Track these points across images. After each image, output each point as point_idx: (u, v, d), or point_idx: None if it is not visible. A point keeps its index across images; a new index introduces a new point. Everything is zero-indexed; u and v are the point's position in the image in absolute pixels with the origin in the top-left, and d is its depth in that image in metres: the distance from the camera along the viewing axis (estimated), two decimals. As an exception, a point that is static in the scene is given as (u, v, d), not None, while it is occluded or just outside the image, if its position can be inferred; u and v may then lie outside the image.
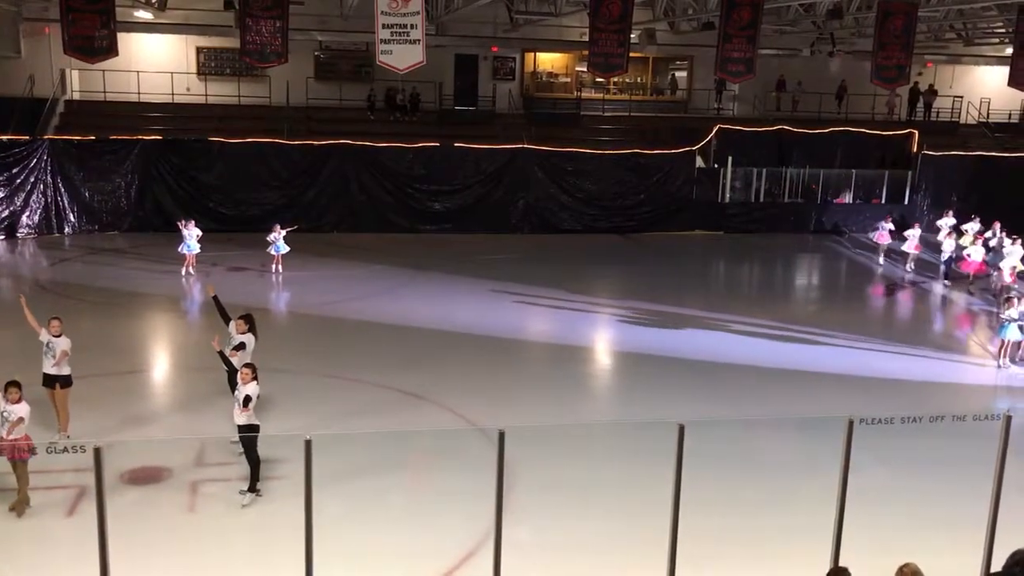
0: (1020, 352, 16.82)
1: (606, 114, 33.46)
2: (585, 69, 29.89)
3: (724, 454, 11.53)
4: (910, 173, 31.69)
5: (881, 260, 25.94)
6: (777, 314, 19.79)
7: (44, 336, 11.50)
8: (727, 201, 30.81)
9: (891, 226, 26.18)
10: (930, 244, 25.27)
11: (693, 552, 7.77)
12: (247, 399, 10.04)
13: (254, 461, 10.26)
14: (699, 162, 30.46)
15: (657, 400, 14.21)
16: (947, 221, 24.79)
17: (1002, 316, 16.66)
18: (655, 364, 16.13)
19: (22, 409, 9.68)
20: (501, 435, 7.08)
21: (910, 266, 24.98)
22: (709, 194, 30.60)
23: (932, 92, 35.36)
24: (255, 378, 10.24)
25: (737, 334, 18.26)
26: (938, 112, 35.54)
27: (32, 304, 12.13)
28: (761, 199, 31.18)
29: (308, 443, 6.68)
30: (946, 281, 23.34)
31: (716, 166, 30.54)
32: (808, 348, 17.45)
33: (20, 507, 9.74)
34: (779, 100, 34.84)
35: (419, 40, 20.09)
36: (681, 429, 7.25)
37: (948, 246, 23.47)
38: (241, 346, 11.50)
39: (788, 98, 34.79)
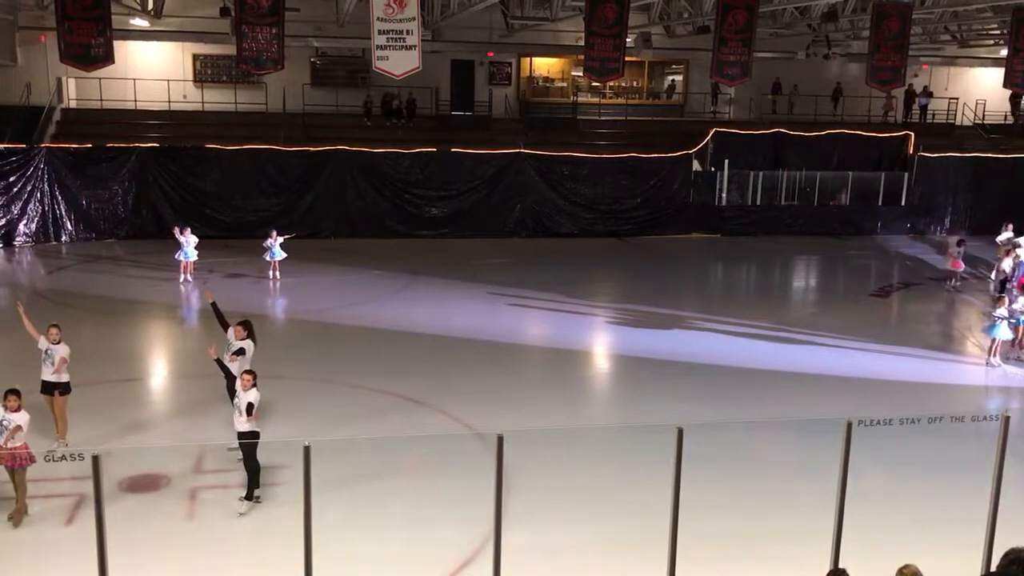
0: (1013, 352, 16.86)
1: (602, 118, 33.50)
2: (581, 74, 29.93)
3: (723, 457, 11.53)
4: (906, 175, 31.75)
5: (955, 284, 22.93)
6: (775, 316, 19.80)
7: (43, 343, 11.49)
8: (724, 204, 30.83)
9: (962, 250, 22.98)
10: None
11: (693, 555, 7.77)
12: (250, 406, 10.02)
13: (253, 468, 10.24)
14: (696, 165, 30.50)
15: (655, 403, 14.21)
16: (1006, 236, 22.90)
17: (993, 314, 16.64)
18: (653, 367, 16.13)
19: (21, 417, 9.66)
20: (500, 439, 7.08)
21: (955, 284, 22.92)
22: (706, 197, 30.61)
23: (927, 94, 35.45)
24: (255, 384, 10.22)
25: (736, 336, 18.27)
26: (934, 114, 35.62)
27: (30, 312, 12.12)
28: (758, 202, 31.20)
29: (307, 449, 6.67)
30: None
31: (713, 169, 30.57)
32: (807, 350, 17.46)
33: (18, 516, 9.70)
34: (775, 103, 34.90)
35: (415, 46, 20.11)
36: (680, 432, 7.25)
37: (1007, 265, 20.62)
38: (240, 352, 11.48)
39: (784, 101, 34.87)
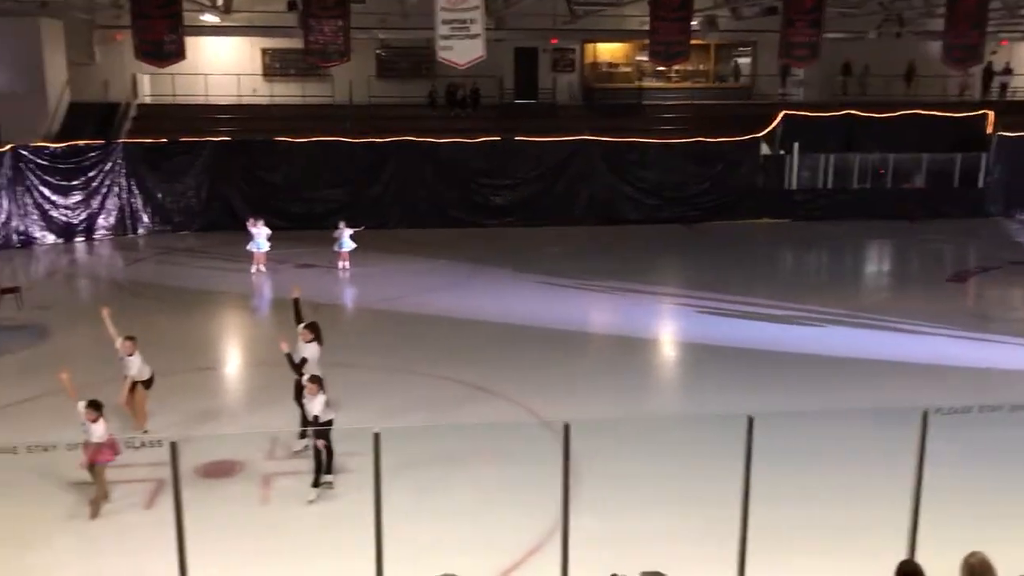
0: None
1: (668, 103, 33.13)
2: (646, 58, 29.64)
3: (794, 447, 11.33)
4: (984, 155, 30.72)
5: None
6: (847, 303, 19.39)
7: (119, 350, 11.76)
8: (794, 188, 30.26)
9: None
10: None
11: (763, 545, 7.66)
12: (315, 419, 10.14)
13: (326, 454, 10.41)
14: (764, 149, 29.99)
15: (723, 392, 14.03)
16: None
17: None
18: (722, 355, 15.94)
19: (98, 430, 9.78)
20: (566, 428, 7.07)
21: None
22: (775, 181, 30.10)
23: (1007, 71, 34.20)
24: (322, 389, 10.35)
25: (806, 324, 17.94)
26: (1015, 91, 34.35)
27: (109, 303, 12.43)
28: (829, 185, 30.54)
29: (376, 436, 6.76)
30: None
31: (782, 152, 30.03)
32: (881, 336, 17.07)
33: (97, 505, 9.97)
34: (845, 84, 34.11)
35: (479, 35, 20.16)
36: (750, 421, 7.16)
37: None
38: (303, 362, 11.43)
39: (855, 82, 34.05)
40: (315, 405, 10.22)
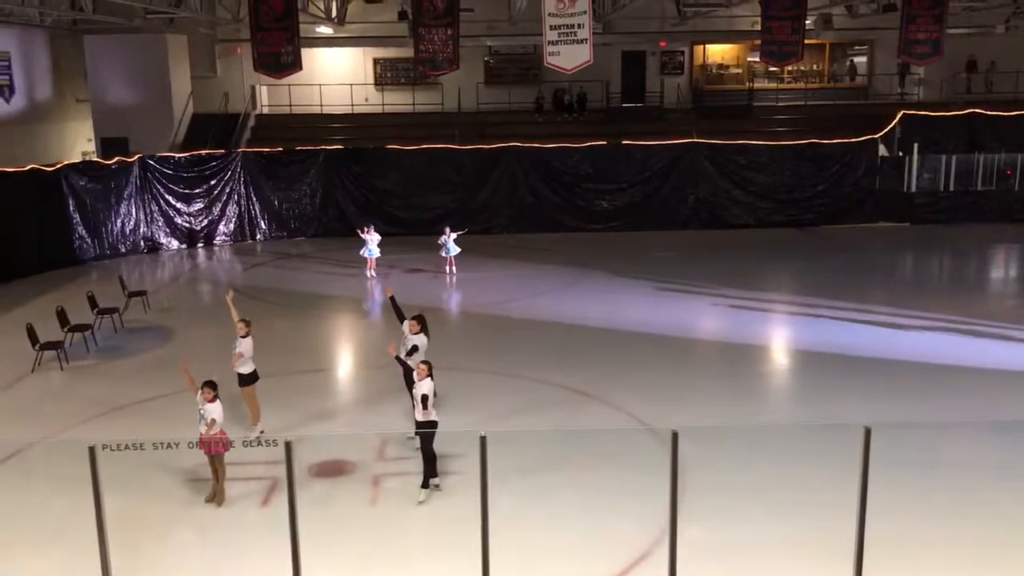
0: None
1: (780, 104, 32.40)
2: (757, 59, 29.09)
3: (912, 459, 10.91)
4: (1124, 154, 28.87)
5: None
6: (970, 310, 18.52)
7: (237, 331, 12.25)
8: (913, 190, 29.13)
9: None
10: None
11: (877, 560, 7.40)
12: (424, 398, 10.34)
13: (430, 457, 10.56)
14: (882, 150, 28.97)
15: (837, 401, 13.60)
16: None
17: None
18: (836, 364, 15.43)
19: (215, 410, 10.19)
20: (674, 436, 6.98)
21: None
22: (894, 184, 29.00)
23: None
24: (430, 375, 10.53)
25: (928, 332, 17.21)
26: None
27: (228, 306, 12.95)
28: (951, 187, 29.26)
29: (483, 439, 6.82)
30: None
31: (901, 154, 28.93)
32: (1007, 346, 16.22)
33: (218, 498, 10.40)
34: (970, 82, 32.66)
35: (586, 39, 20.16)
36: (867, 432, 6.92)
37: None
38: (414, 349, 11.77)
39: (980, 79, 32.56)
40: (423, 386, 10.39)
